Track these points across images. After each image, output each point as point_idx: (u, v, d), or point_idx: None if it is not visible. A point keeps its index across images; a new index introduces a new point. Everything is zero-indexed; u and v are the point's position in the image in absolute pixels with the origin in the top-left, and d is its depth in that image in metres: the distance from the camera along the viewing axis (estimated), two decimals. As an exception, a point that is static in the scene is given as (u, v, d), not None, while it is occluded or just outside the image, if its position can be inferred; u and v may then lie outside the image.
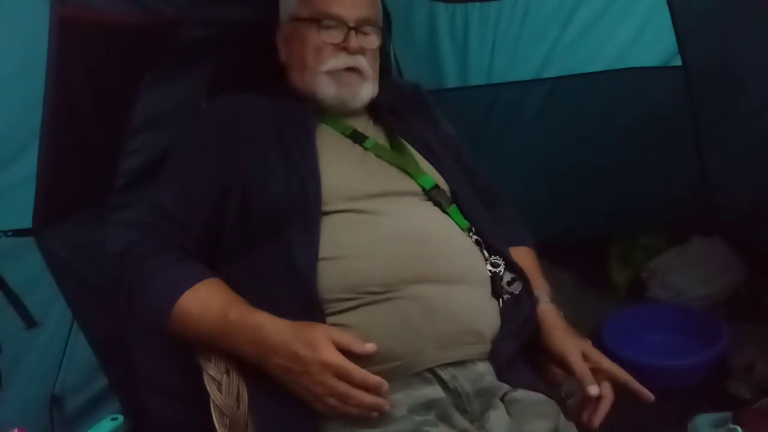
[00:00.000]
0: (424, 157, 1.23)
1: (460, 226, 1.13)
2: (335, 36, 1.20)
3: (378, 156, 1.20)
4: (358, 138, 1.22)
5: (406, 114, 1.31)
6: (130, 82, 1.23)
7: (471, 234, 1.14)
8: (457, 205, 1.17)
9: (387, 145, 1.23)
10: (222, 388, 0.98)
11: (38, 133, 1.11)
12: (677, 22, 1.79)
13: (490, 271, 1.10)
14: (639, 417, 1.01)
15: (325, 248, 1.04)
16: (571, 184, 2.00)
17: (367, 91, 1.24)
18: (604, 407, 1.02)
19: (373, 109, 1.28)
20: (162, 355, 1.20)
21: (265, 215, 1.08)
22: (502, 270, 1.11)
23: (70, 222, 1.20)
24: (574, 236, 2.06)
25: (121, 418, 1.12)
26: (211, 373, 0.99)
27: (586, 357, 1.06)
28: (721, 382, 1.69)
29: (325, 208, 1.08)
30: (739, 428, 1.17)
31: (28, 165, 1.12)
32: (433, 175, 1.20)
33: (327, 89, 1.21)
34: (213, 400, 0.98)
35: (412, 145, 1.24)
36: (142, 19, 1.18)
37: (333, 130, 1.22)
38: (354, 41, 1.20)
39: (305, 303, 1.00)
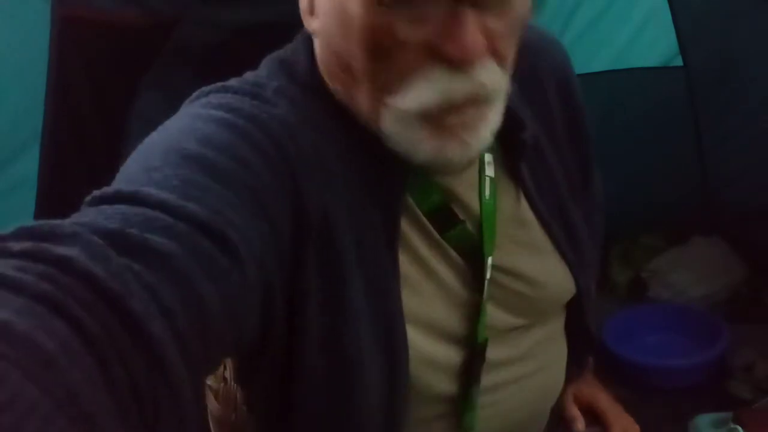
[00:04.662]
0: (559, 244, 0.77)
1: None
2: (430, 22, 0.57)
3: (468, 263, 0.71)
4: (442, 221, 0.69)
5: (548, 133, 0.77)
6: (131, 81, 1.23)
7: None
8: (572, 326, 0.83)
9: (508, 215, 0.73)
10: (219, 397, 0.97)
11: (39, 134, 1.11)
12: (678, 22, 1.79)
13: None
14: (639, 417, 1.01)
15: None
16: (571, 184, 2.00)
17: (493, 124, 0.64)
18: None
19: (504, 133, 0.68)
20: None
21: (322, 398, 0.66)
22: None
23: (70, 222, 1.19)
24: (574, 236, 2.06)
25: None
26: (207, 382, 0.98)
27: (576, 397, 1.00)
28: (721, 382, 1.69)
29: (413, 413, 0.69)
30: (739, 428, 1.17)
31: (28, 165, 1.12)
32: (555, 281, 0.77)
33: (415, 146, 0.62)
34: (210, 410, 0.96)
35: (543, 219, 0.76)
36: (142, 18, 1.18)
37: (415, 206, 0.69)
38: (472, 34, 0.56)
39: None
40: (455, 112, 0.60)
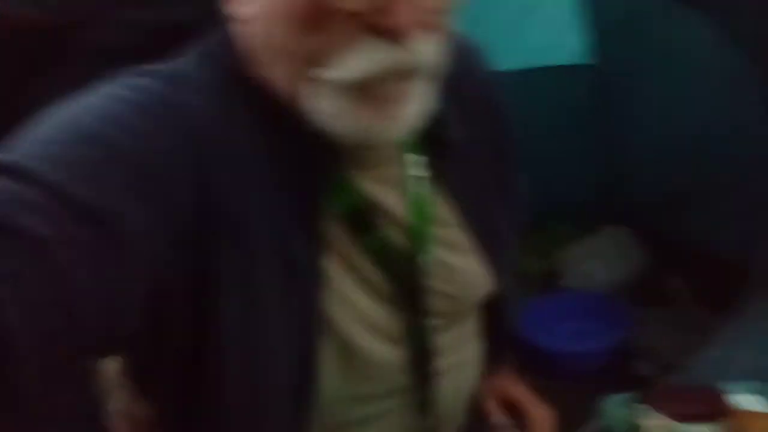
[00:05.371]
0: (481, 244, 0.74)
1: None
2: None
3: (389, 274, 0.68)
4: (360, 225, 0.66)
5: (473, 134, 0.73)
6: (31, 86, 1.18)
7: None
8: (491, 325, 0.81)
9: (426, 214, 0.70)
10: (130, 422, 0.82)
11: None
12: (589, 22, 1.86)
13: None
14: (551, 403, 1.04)
15: None
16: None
17: (423, 101, 0.61)
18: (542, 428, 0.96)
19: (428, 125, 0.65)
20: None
21: (234, 397, 0.63)
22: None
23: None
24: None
25: None
26: (117, 406, 0.83)
27: (493, 390, 0.98)
28: (627, 363, 1.77)
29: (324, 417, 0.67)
30: (645, 406, 1.23)
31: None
32: (468, 277, 0.73)
33: (341, 119, 0.58)
34: None
35: (465, 220, 0.73)
36: (44, 20, 1.13)
37: (334, 208, 0.65)
38: (404, 6, 0.54)
39: None
40: (386, 83, 0.57)
